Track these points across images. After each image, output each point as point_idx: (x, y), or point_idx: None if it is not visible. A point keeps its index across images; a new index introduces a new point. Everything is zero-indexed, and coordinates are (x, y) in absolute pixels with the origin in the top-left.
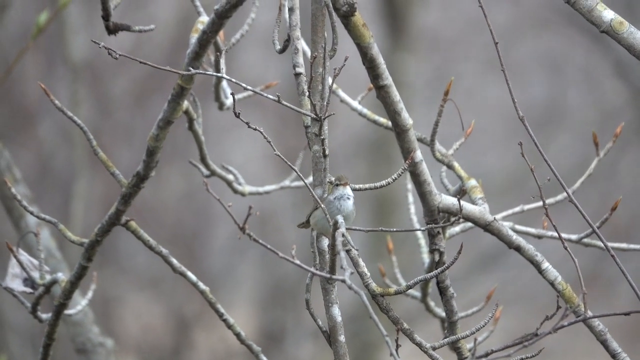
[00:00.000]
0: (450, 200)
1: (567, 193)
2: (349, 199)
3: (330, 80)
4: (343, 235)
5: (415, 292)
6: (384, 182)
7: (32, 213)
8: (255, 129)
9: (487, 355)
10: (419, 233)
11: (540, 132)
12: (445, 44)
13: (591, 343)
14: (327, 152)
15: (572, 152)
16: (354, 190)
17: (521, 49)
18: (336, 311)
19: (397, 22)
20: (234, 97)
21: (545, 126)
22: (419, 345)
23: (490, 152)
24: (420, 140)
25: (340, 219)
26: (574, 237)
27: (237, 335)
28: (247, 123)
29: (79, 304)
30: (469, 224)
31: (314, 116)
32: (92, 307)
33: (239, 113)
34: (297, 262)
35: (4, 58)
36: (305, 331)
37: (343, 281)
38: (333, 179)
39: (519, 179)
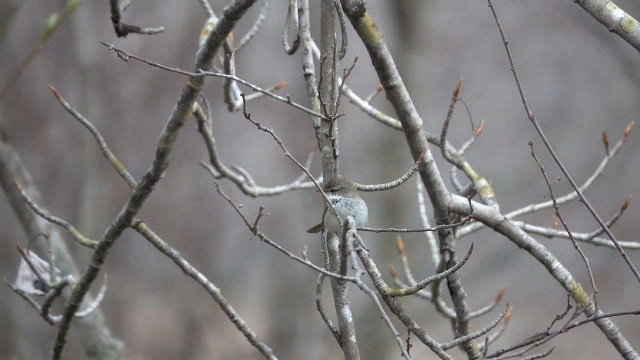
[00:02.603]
0: (460, 200)
1: (578, 192)
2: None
3: (340, 80)
4: (354, 236)
5: (426, 292)
6: (394, 183)
7: (42, 215)
8: (265, 130)
9: (498, 354)
10: (429, 233)
11: (550, 132)
12: (454, 44)
13: (602, 343)
14: (337, 153)
15: (582, 151)
16: (364, 190)
17: (531, 48)
18: (347, 312)
19: (406, 22)
20: (244, 98)
21: (554, 126)
22: (430, 345)
23: (500, 152)
24: (430, 140)
25: (351, 219)
26: (584, 236)
27: (248, 336)
28: (257, 124)
29: (90, 306)
30: (480, 224)
31: (324, 117)
32: (102, 310)
33: (249, 114)
34: (308, 262)
35: (13, 60)
36: (316, 332)
37: (354, 281)
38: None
39: (529, 178)
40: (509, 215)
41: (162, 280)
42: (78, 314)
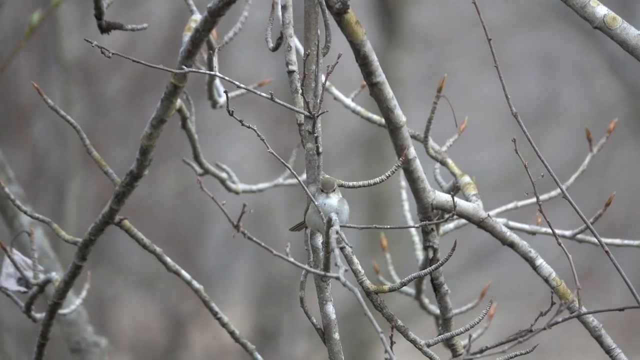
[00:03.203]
0: (444, 197)
1: (561, 189)
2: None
3: (323, 77)
4: (337, 233)
5: (410, 289)
6: (377, 180)
7: (25, 212)
8: (248, 127)
9: (481, 351)
10: (413, 230)
11: (535, 129)
12: (439, 41)
13: (587, 339)
14: (320, 150)
15: (567, 148)
16: (347, 187)
17: (516, 45)
18: (330, 309)
19: (391, 19)
20: (227, 95)
21: (540, 122)
22: (413, 342)
23: (486, 149)
24: (413, 137)
25: (334, 216)
26: (567, 233)
27: (232, 333)
28: (240, 121)
29: (73, 304)
30: (463, 221)
31: (307, 114)
32: (86, 307)
33: (232, 111)
34: (292, 259)
35: None
36: (300, 329)
37: (337, 278)
38: (326, 176)
39: (514, 175)
40: (492, 212)
41: (146, 277)
42: (61, 311)
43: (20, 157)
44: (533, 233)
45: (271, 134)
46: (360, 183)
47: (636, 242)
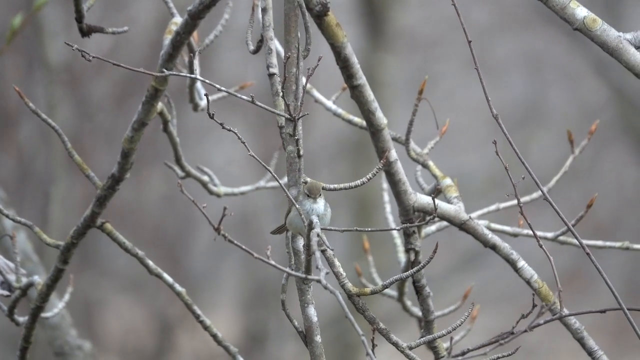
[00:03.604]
0: (425, 200)
1: (542, 191)
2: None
3: (304, 80)
4: (318, 235)
5: (392, 292)
6: (358, 182)
7: (7, 216)
8: (229, 130)
9: (463, 354)
10: (395, 233)
11: (521, 131)
12: (425, 43)
13: (574, 341)
14: (301, 153)
15: (554, 150)
16: (329, 190)
17: (501, 48)
18: (312, 311)
19: (376, 21)
20: (207, 99)
21: (526, 125)
22: (396, 344)
23: (472, 152)
24: (395, 139)
25: (315, 219)
26: (549, 235)
27: (214, 336)
28: (221, 124)
29: (56, 307)
30: (445, 223)
31: (288, 116)
32: (74, 310)
33: (212, 114)
34: (272, 262)
35: None
36: (288, 332)
37: (318, 281)
38: (308, 179)
39: (500, 177)
40: (474, 214)
41: (134, 280)
42: (44, 314)
43: (6, 160)
44: (515, 235)
45: (259, 136)
46: (342, 185)
47: (618, 244)
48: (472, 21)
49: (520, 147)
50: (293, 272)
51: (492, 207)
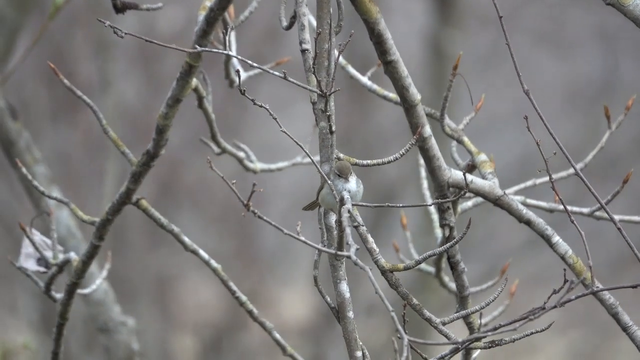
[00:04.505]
0: (460, 175)
1: (574, 167)
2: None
3: (336, 55)
4: (348, 212)
5: (430, 268)
6: (391, 158)
7: (43, 193)
8: (260, 106)
9: (495, 329)
10: (431, 208)
11: (596, 107)
12: (494, 18)
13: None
14: (333, 129)
15: (629, 127)
16: (361, 166)
17: (574, 22)
18: (344, 287)
19: None
20: (239, 75)
21: (600, 101)
22: (429, 320)
23: (543, 128)
24: (429, 115)
25: (346, 194)
26: (585, 210)
27: (250, 312)
28: (252, 100)
29: (94, 283)
30: (481, 199)
31: (320, 92)
32: (148, 287)
33: (244, 90)
34: (302, 238)
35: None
36: (361, 305)
37: (348, 257)
38: (341, 155)
39: (572, 151)
40: (509, 190)
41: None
42: (82, 291)
43: (75, 136)
44: (551, 211)
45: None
46: (375, 161)
47: None
48: None
49: (594, 123)
50: (324, 249)
51: (529, 183)
